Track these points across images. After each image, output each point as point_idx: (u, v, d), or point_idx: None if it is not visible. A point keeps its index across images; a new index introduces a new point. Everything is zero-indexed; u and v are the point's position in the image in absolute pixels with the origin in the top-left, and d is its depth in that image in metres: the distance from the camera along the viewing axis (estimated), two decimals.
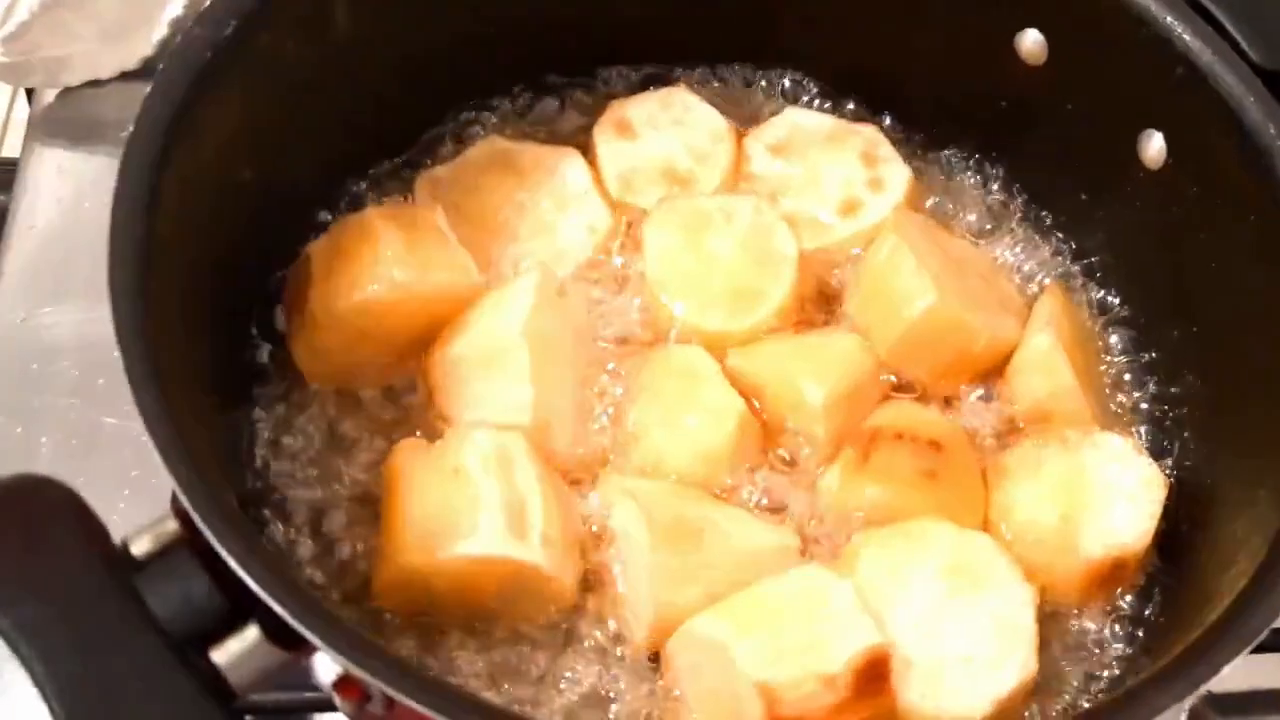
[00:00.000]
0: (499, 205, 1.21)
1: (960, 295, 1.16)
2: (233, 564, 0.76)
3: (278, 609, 0.75)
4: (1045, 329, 1.16)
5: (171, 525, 0.81)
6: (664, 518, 1.04)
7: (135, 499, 1.17)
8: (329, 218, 1.20)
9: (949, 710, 0.99)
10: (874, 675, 0.97)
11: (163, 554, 0.80)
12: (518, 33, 1.24)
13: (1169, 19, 1.06)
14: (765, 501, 1.11)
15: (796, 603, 1.00)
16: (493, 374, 1.09)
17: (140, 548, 0.82)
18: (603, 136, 1.26)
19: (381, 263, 1.09)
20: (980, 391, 1.18)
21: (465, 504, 1.01)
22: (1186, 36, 1.06)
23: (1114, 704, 0.82)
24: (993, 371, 1.18)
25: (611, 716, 1.00)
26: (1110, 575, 1.07)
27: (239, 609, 0.79)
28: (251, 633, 0.79)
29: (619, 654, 1.03)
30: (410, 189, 1.22)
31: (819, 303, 1.21)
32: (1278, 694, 1.21)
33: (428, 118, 1.27)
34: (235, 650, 0.79)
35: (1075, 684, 1.04)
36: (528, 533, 1.01)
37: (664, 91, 1.29)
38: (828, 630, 0.98)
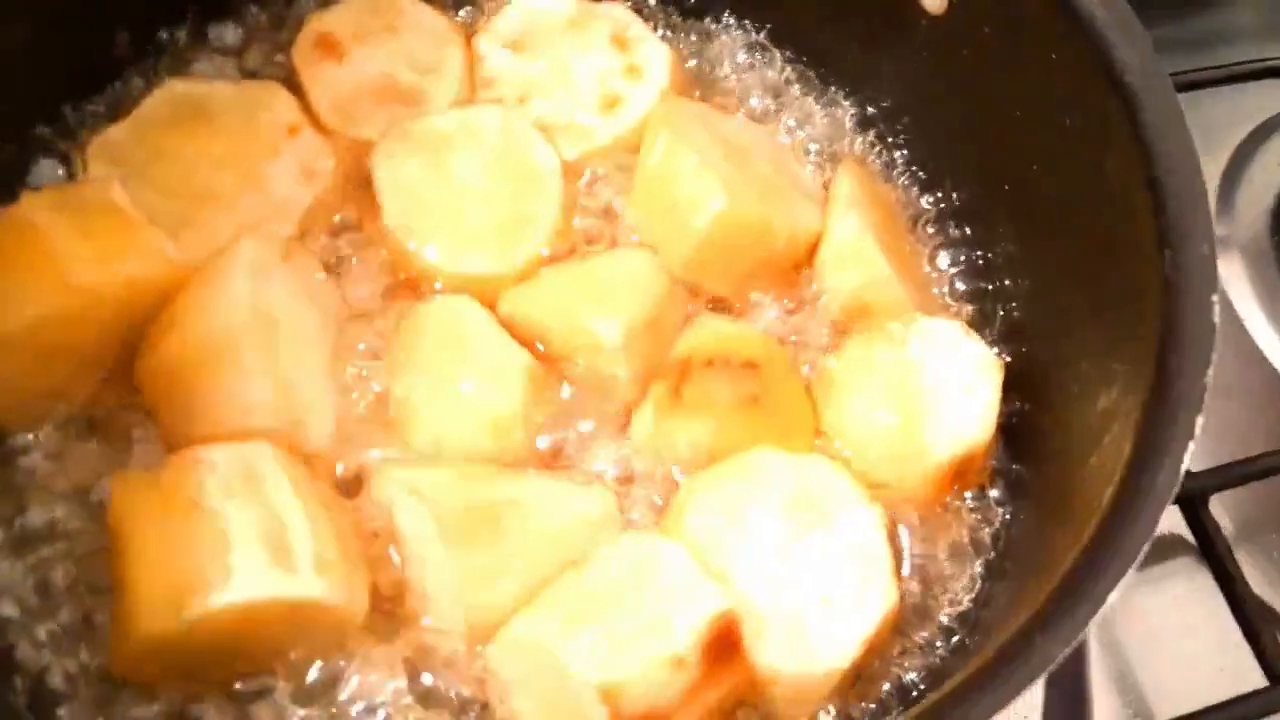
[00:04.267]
0: (194, 164, 0.99)
1: (751, 190, 1.01)
2: None
3: None
4: (848, 213, 1.03)
5: None
6: (454, 512, 0.88)
7: None
8: None
9: (815, 663, 0.87)
10: (725, 644, 0.85)
11: None
12: None
13: None
14: (573, 461, 0.96)
15: (625, 580, 0.86)
16: (218, 374, 0.89)
17: None
18: (305, 60, 1.05)
19: (51, 265, 0.87)
20: (792, 293, 1.05)
21: (211, 542, 0.82)
22: None
23: (1002, 657, 0.71)
24: (801, 265, 1.05)
25: None
26: (957, 474, 0.97)
27: None
28: None
29: (434, 669, 0.87)
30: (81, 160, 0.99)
31: (597, 218, 1.05)
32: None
33: (92, 69, 1.03)
34: None
35: (941, 606, 0.94)
36: (295, 561, 0.83)
37: None
38: (665, 605, 0.85)
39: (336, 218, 1.01)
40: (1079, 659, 1.11)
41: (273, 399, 0.89)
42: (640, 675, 0.82)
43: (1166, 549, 1.14)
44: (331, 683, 0.86)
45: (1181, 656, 1.11)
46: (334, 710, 0.85)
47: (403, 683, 0.86)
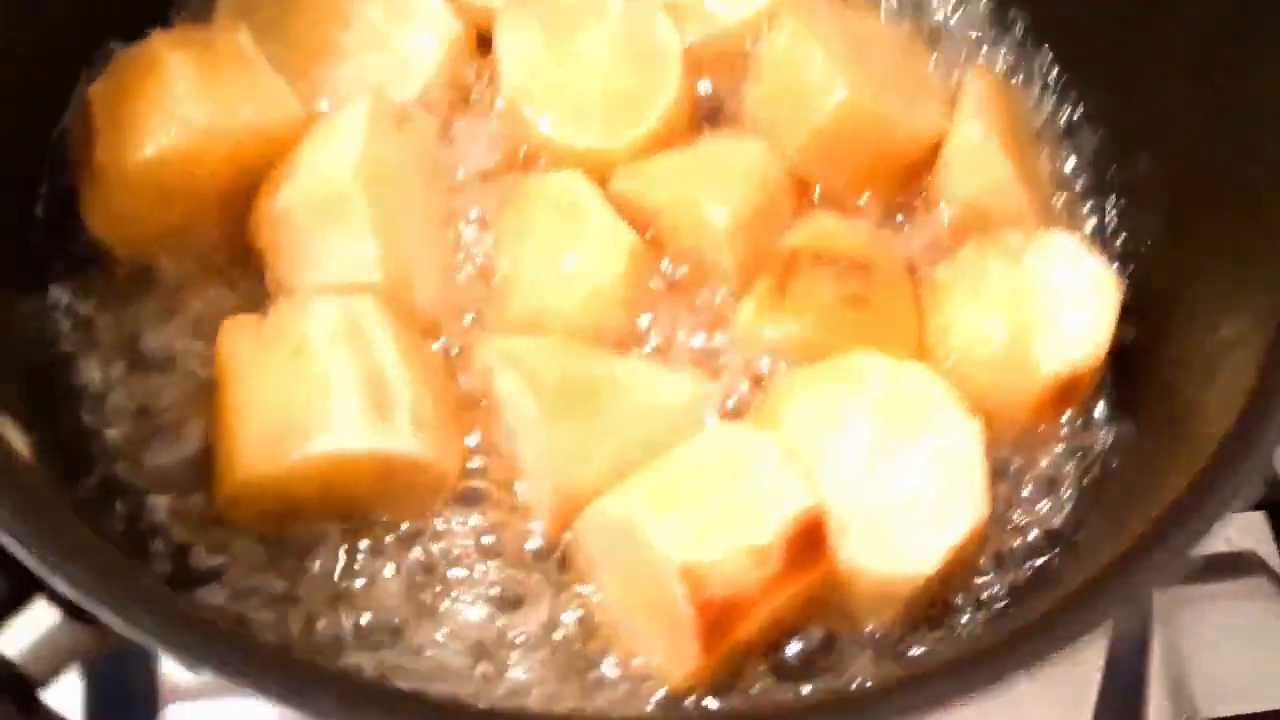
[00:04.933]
0: (321, 19, 1.00)
1: (875, 84, 0.98)
2: None
3: (59, 585, 0.58)
4: (975, 116, 0.99)
5: None
6: (553, 383, 0.88)
7: None
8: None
9: (897, 568, 0.86)
10: (809, 542, 0.84)
11: None
12: None
13: None
14: (671, 346, 0.95)
15: (716, 468, 0.86)
16: (329, 227, 0.90)
17: None
18: None
19: (175, 103, 0.89)
20: (908, 197, 1.02)
21: (313, 390, 0.84)
22: None
23: (1103, 576, 0.69)
24: (919, 169, 1.01)
25: (516, 623, 0.86)
26: (1063, 394, 0.94)
27: (24, 580, 0.62)
28: (41, 608, 0.62)
29: (521, 540, 0.88)
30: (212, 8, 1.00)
31: (714, 104, 1.03)
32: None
33: None
34: (26, 632, 0.62)
35: (1031, 524, 0.93)
36: (394, 415, 0.85)
37: None
38: (754, 496, 0.84)
39: (457, 85, 1.00)
40: (1139, 666, 1.06)
41: (379, 256, 0.89)
42: (723, 562, 0.81)
43: (1243, 564, 1.07)
44: (418, 539, 0.88)
45: (1245, 668, 1.05)
46: (418, 568, 0.87)
47: (489, 548, 0.88)
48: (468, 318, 0.94)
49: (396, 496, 0.88)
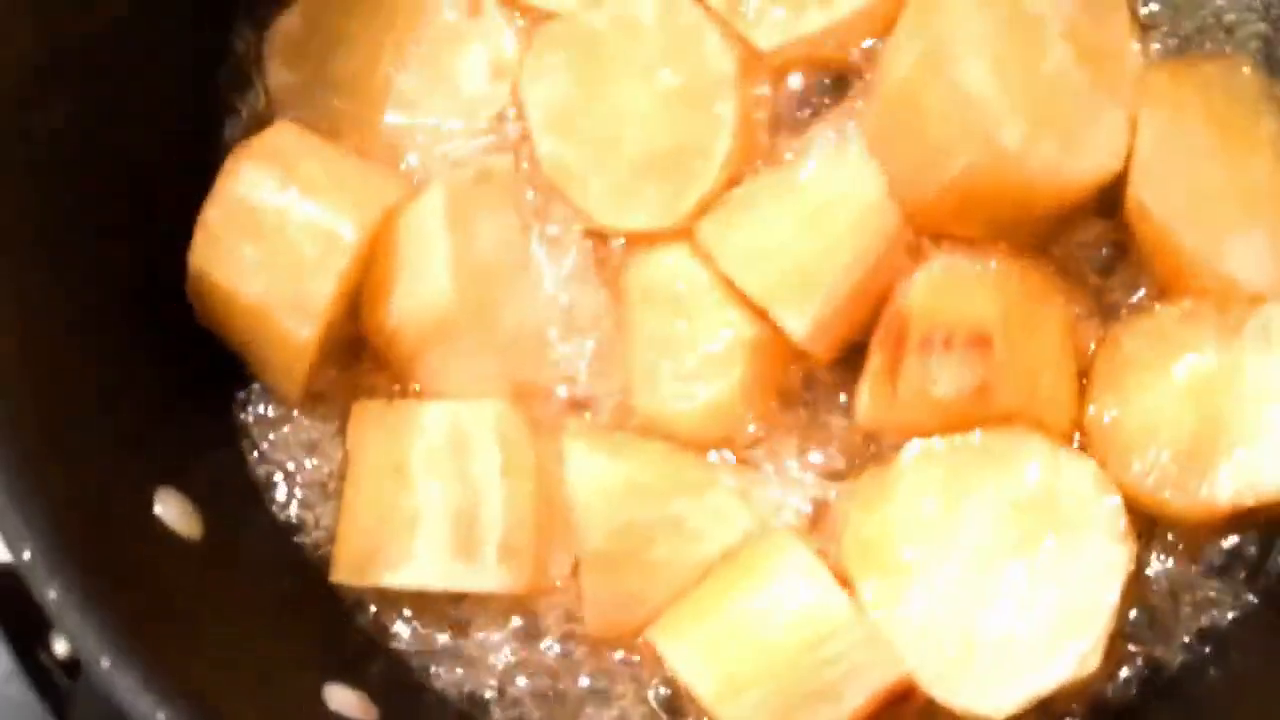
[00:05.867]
0: (372, 55, 0.88)
1: (1035, 116, 0.74)
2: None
3: None
4: (1162, 148, 0.73)
5: None
6: (607, 531, 0.83)
7: None
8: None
9: (971, 705, 0.78)
10: (898, 695, 0.80)
11: None
12: None
13: None
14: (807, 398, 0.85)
15: (794, 637, 0.79)
16: (437, 348, 0.86)
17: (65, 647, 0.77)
18: None
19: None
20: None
21: (405, 516, 0.86)
22: None
23: None
24: (1088, 209, 0.78)
25: None
26: (1239, 520, 0.77)
27: None
28: None
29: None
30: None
31: (812, 101, 0.83)
32: None
33: None
34: None
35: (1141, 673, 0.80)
36: (478, 549, 0.85)
37: None
38: (838, 671, 0.79)
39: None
40: None
41: (498, 369, 0.86)
42: None
43: None
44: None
45: None
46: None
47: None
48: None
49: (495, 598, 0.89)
